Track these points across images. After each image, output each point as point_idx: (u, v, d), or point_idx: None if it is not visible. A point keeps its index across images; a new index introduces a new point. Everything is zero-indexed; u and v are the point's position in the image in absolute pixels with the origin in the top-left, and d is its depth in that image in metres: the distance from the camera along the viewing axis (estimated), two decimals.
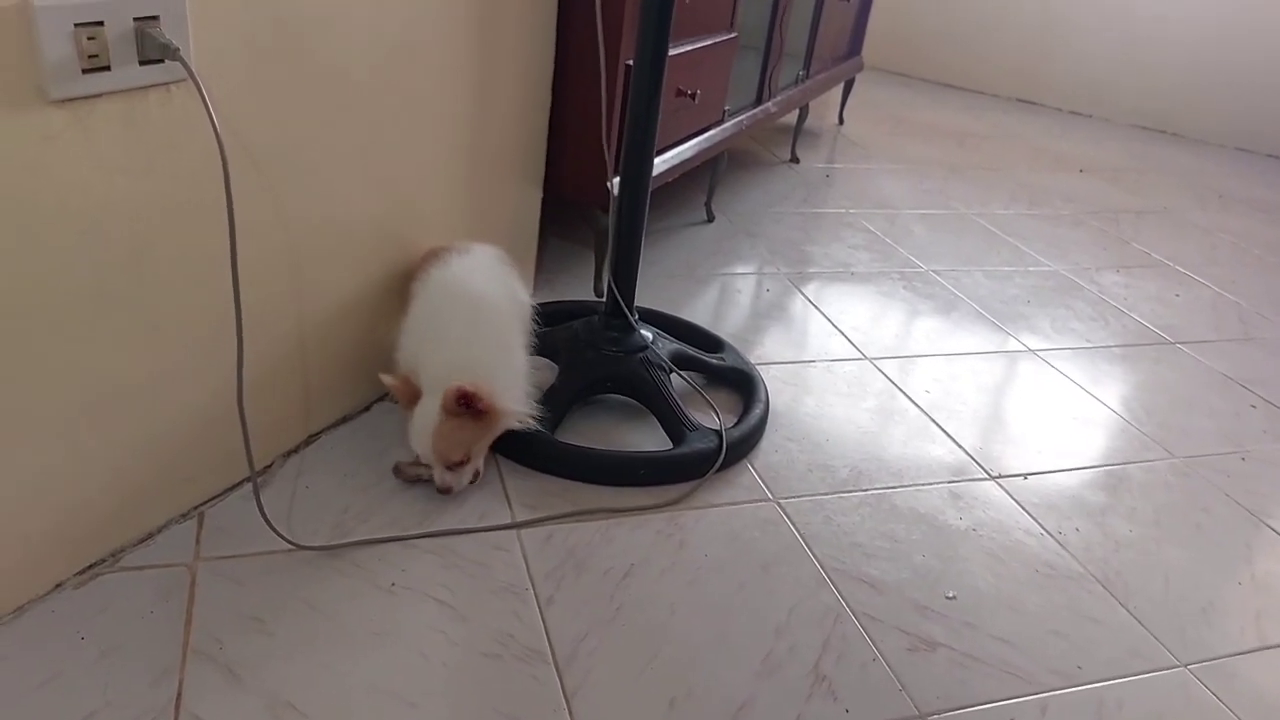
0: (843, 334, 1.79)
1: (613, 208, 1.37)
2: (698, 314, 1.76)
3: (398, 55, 1.18)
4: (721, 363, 1.54)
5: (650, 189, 1.36)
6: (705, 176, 2.21)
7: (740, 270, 2.01)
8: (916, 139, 3.25)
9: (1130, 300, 2.14)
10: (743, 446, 1.37)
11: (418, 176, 1.30)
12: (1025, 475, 1.44)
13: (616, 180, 1.39)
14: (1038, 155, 3.25)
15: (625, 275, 1.39)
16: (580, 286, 1.79)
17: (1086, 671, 1.08)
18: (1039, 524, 1.33)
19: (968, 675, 1.05)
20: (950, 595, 1.17)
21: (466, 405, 1.12)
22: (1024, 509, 1.36)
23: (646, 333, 1.44)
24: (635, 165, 1.34)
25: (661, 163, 1.76)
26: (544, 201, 1.67)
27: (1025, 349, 1.84)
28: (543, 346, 1.45)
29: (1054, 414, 1.63)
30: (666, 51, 1.27)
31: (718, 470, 1.31)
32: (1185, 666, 1.11)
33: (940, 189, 2.72)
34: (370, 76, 1.14)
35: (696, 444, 1.31)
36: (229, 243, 0.93)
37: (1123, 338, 1.95)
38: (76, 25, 0.80)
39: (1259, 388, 1.82)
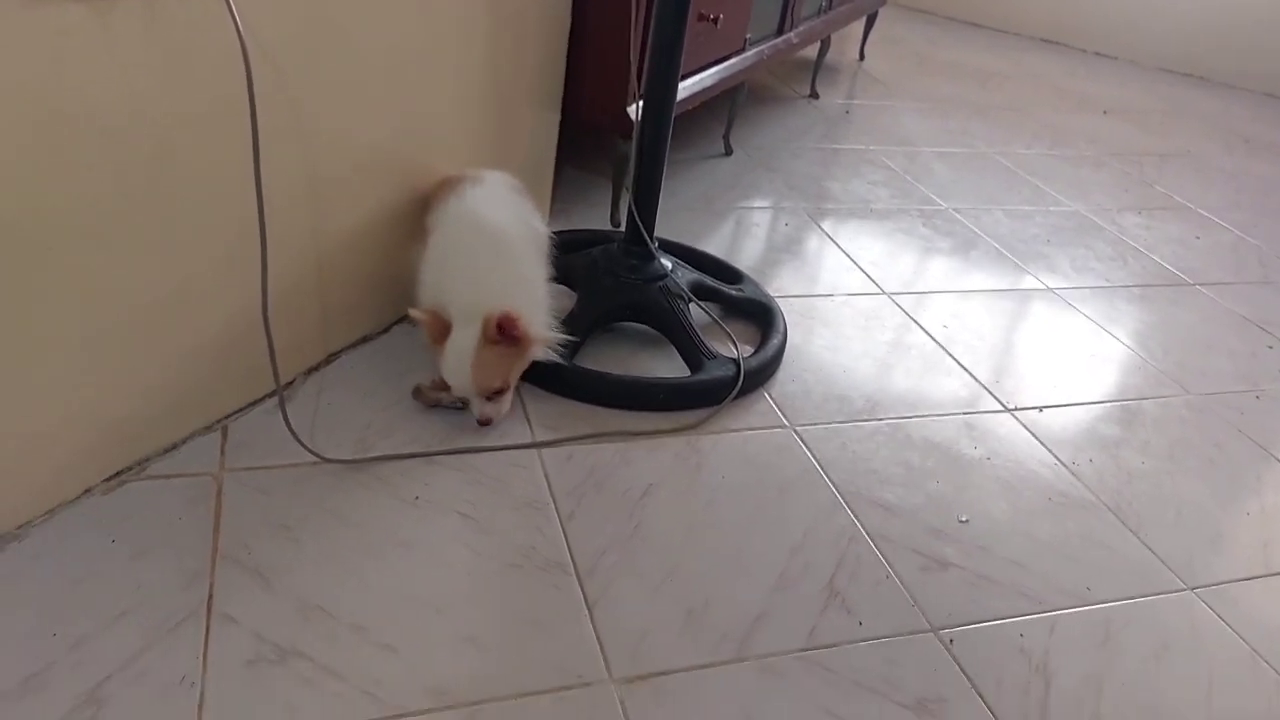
0: (861, 269, 1.78)
1: (636, 132, 1.35)
2: (715, 247, 1.75)
3: None
4: (740, 294, 1.53)
5: (674, 113, 1.34)
6: (724, 108, 2.18)
7: (758, 204, 1.99)
8: (939, 77, 3.19)
9: (1150, 242, 2.12)
10: (760, 375, 1.37)
11: (435, 95, 1.28)
12: (1040, 408, 1.44)
13: (637, 105, 1.37)
14: (1061, 96, 3.19)
15: (646, 202, 1.38)
16: (597, 216, 1.78)
17: (1095, 593, 1.10)
18: (1053, 455, 1.34)
19: (979, 594, 1.07)
20: (963, 519, 1.18)
21: (506, 333, 1.12)
22: (1039, 440, 1.36)
23: (666, 261, 1.43)
24: (659, 89, 1.32)
25: (682, 89, 1.72)
26: (561, 127, 1.65)
27: (1044, 287, 1.83)
28: (561, 274, 1.45)
29: (1071, 350, 1.63)
30: None
31: (735, 398, 1.32)
32: (1191, 590, 1.13)
33: (962, 128, 2.68)
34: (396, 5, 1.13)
35: (715, 371, 1.32)
36: (252, 151, 0.92)
37: (1142, 278, 1.94)
38: None
39: (1277, 329, 1.81)
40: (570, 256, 1.47)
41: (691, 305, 1.42)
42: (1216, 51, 3.72)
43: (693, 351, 1.35)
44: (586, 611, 0.96)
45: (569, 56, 1.58)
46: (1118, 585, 1.12)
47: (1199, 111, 3.30)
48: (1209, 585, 1.15)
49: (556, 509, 1.08)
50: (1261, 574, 1.18)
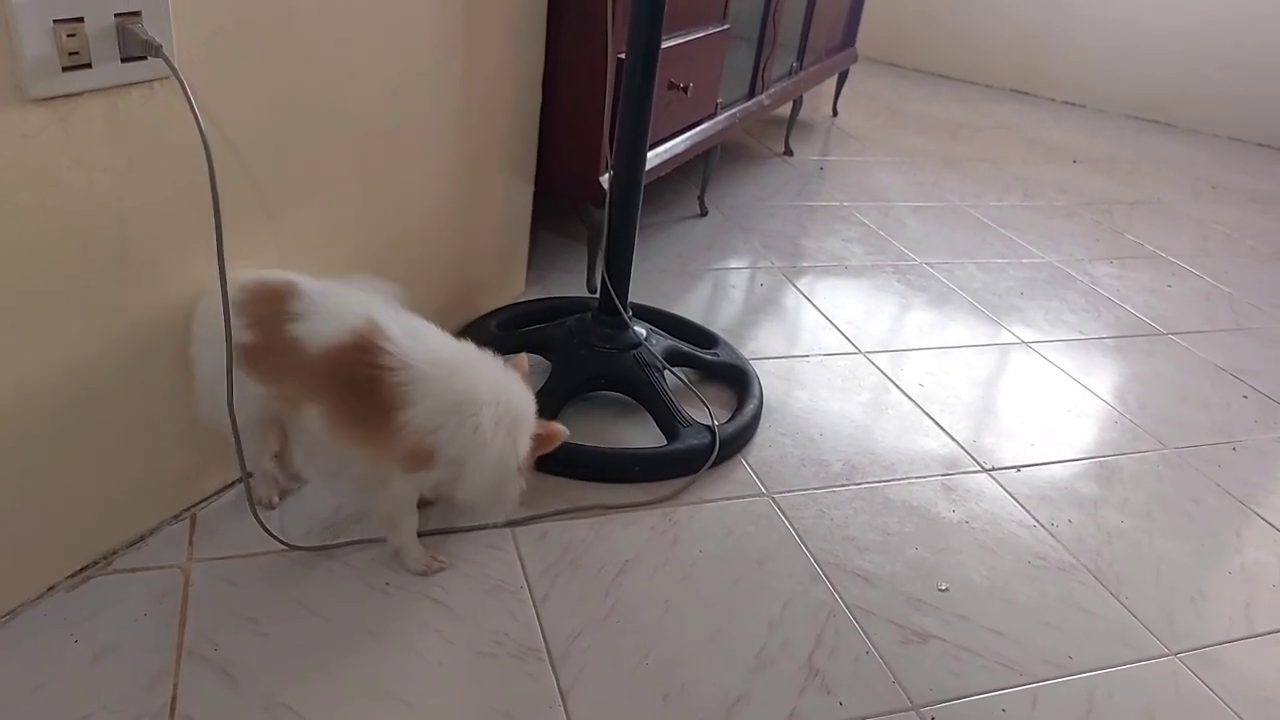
0: (836, 328, 1.79)
1: (607, 203, 1.36)
2: (691, 309, 1.76)
3: (385, 50, 1.17)
4: (716, 358, 1.54)
5: (643, 183, 1.36)
6: (698, 170, 2.20)
7: (734, 265, 2.00)
8: (911, 130, 3.25)
9: (1123, 291, 2.14)
10: (737, 442, 1.37)
11: (406, 172, 1.30)
12: (1018, 467, 1.44)
13: (609, 175, 1.39)
14: (1032, 146, 3.25)
15: (618, 271, 1.39)
16: (574, 282, 1.79)
17: (1077, 661, 1.09)
18: (1031, 515, 1.33)
19: (960, 666, 1.06)
20: (943, 587, 1.17)
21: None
22: (1016, 501, 1.36)
23: (640, 329, 1.44)
24: (628, 159, 1.33)
25: (654, 156, 1.75)
26: (536, 196, 1.66)
27: (1018, 341, 1.84)
28: (537, 344, 1.45)
29: (1047, 406, 1.63)
30: (659, 44, 1.27)
31: (711, 466, 1.32)
32: (1175, 655, 1.12)
33: (934, 181, 2.72)
34: (358, 73, 1.14)
35: (690, 440, 1.31)
36: (216, 244, 0.92)
37: (1115, 329, 1.96)
38: (56, 22, 0.79)
39: (1251, 378, 1.82)
40: (545, 326, 1.47)
41: (667, 372, 1.42)
42: (1182, 97, 3.81)
43: (668, 420, 1.35)
44: (560, 700, 0.94)
45: (541, 126, 1.61)
46: (1099, 652, 1.11)
47: (1166, 158, 3.36)
48: (1192, 650, 1.14)
49: (530, 591, 1.07)
50: (1244, 635, 1.17)
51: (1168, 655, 1.12)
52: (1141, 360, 1.84)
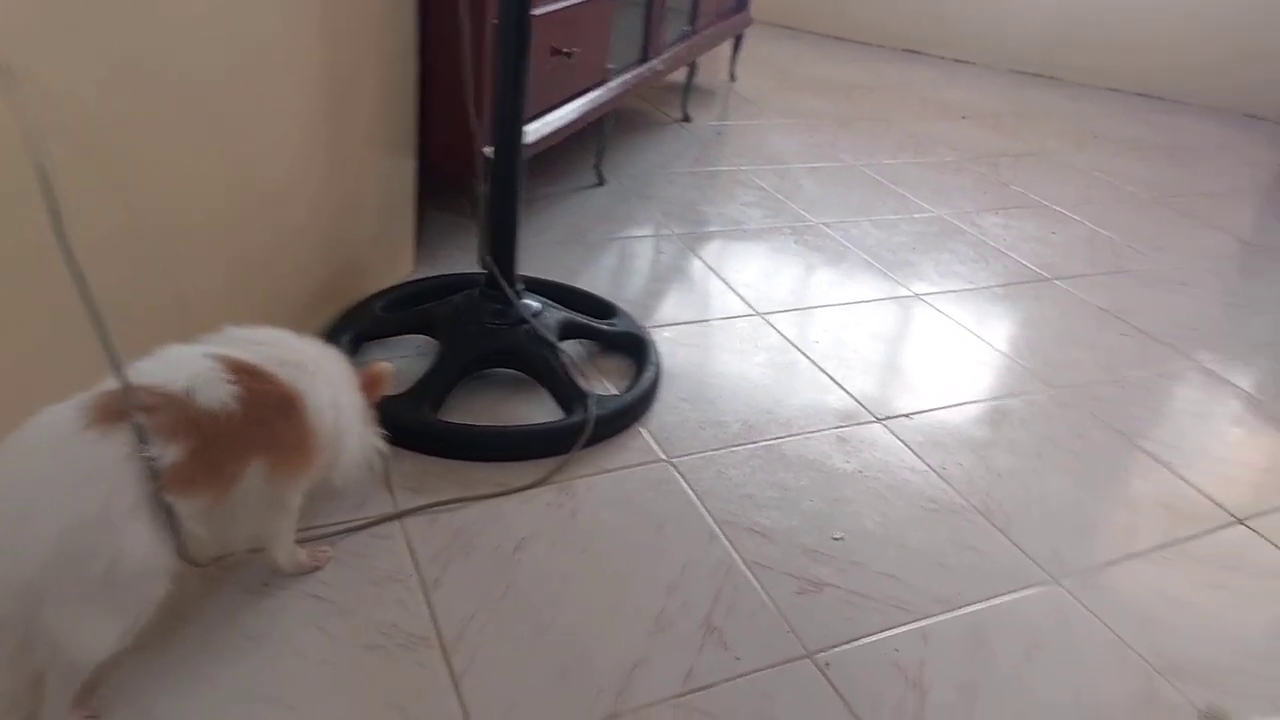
0: (735, 292, 1.80)
1: (487, 174, 1.33)
2: (591, 280, 1.74)
3: (234, 15, 1.11)
4: (613, 329, 1.53)
5: (525, 154, 1.34)
6: (593, 138, 2.18)
7: (634, 233, 1.99)
8: (806, 92, 3.27)
9: (1010, 241, 2.21)
10: (635, 410, 1.36)
11: (267, 146, 1.24)
12: (911, 415, 1.47)
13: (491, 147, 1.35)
14: (923, 104, 3.32)
15: (504, 245, 1.37)
16: (466, 259, 1.75)
17: (966, 597, 1.12)
18: (924, 461, 1.36)
19: (854, 611, 1.08)
20: (838, 536, 1.20)
21: None
22: (909, 448, 1.39)
23: (532, 303, 1.41)
24: (506, 130, 1.31)
25: (541, 125, 1.72)
26: (424, 171, 1.62)
27: (912, 294, 1.88)
28: (422, 323, 1.42)
29: (939, 355, 1.67)
30: (529, 8, 1.24)
31: (610, 435, 1.31)
32: (1059, 584, 1.16)
33: (830, 142, 2.75)
34: (204, 37, 1.08)
35: (586, 413, 1.30)
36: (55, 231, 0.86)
37: (1003, 277, 2.02)
38: None
39: (1132, 317, 1.90)
40: (432, 305, 1.44)
41: (566, 345, 1.41)
42: (1067, 51, 3.93)
43: (564, 393, 1.33)
44: (453, 686, 0.92)
45: (422, 99, 1.56)
46: (988, 587, 1.15)
47: (1051, 111, 3.47)
48: (1076, 576, 1.18)
49: (420, 578, 1.04)
50: (1124, 557, 1.23)
51: (1052, 584, 1.16)
52: (1028, 306, 1.90)
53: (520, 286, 1.41)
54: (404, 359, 1.39)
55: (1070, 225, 2.35)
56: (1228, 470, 1.45)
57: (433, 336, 1.40)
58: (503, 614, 1.01)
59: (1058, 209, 2.45)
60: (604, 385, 1.42)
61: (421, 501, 1.15)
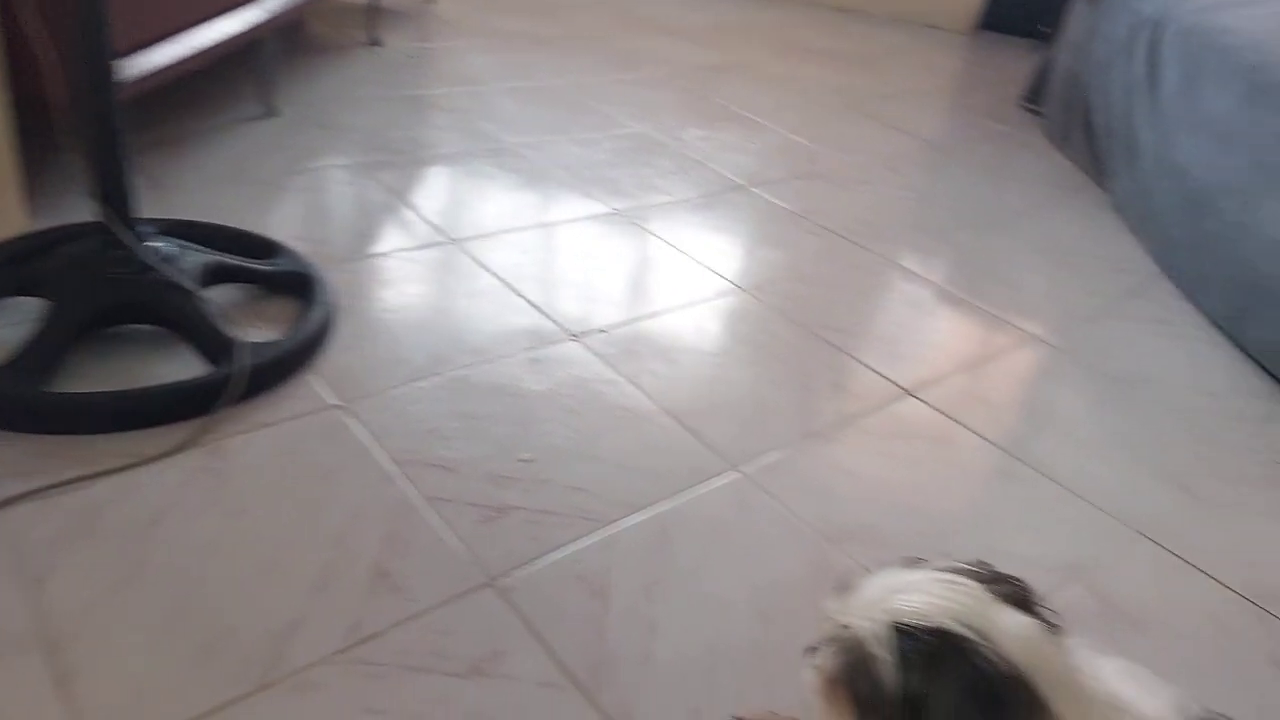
0: (426, 220, 1.69)
1: (74, 105, 1.13)
2: (260, 220, 1.57)
3: None
4: (274, 268, 1.38)
5: (156, 80, 1.14)
6: (259, 65, 1.96)
7: (310, 166, 1.82)
8: (509, 13, 3.16)
9: (710, 152, 2.25)
10: (301, 355, 1.24)
11: None
12: (607, 330, 1.46)
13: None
14: (627, 21, 3.31)
15: (112, 181, 1.17)
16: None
17: (651, 497, 1.12)
18: (616, 372, 1.36)
19: (539, 530, 1.05)
20: (526, 458, 1.16)
21: None
22: (603, 361, 1.38)
23: (161, 246, 1.23)
24: (91, 52, 1.10)
25: (172, 48, 1.50)
26: (31, 105, 1.36)
27: (611, 211, 1.87)
28: (27, 284, 1.20)
29: (638, 269, 1.67)
30: None
31: (272, 385, 1.18)
32: (741, 473, 1.20)
33: (531, 62, 2.67)
34: None
35: (238, 363, 1.16)
36: None
37: (702, 188, 2.05)
38: None
39: (820, 217, 2.00)
40: (40, 260, 1.22)
41: (210, 291, 1.25)
42: None
43: (208, 345, 1.18)
44: (55, 691, 0.79)
45: (10, 24, 1.30)
46: (674, 485, 1.16)
47: (752, 25, 3.59)
48: (756, 463, 1.22)
49: (24, 573, 0.89)
50: (801, 438, 1.29)
51: (735, 474, 1.20)
52: (726, 213, 1.95)
53: (149, 229, 1.23)
54: (4, 328, 1.17)
55: (767, 134, 2.44)
56: (900, 349, 1.56)
57: (43, 297, 1.19)
58: (130, 598, 0.88)
59: (757, 119, 2.53)
60: (267, 332, 1.28)
61: (25, 487, 0.98)
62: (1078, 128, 2.56)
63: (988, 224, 2.08)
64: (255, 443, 1.11)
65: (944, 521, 1.17)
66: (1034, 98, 2.95)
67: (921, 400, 1.43)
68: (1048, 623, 0.68)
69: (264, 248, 1.42)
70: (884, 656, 0.62)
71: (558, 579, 0.99)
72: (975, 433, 1.35)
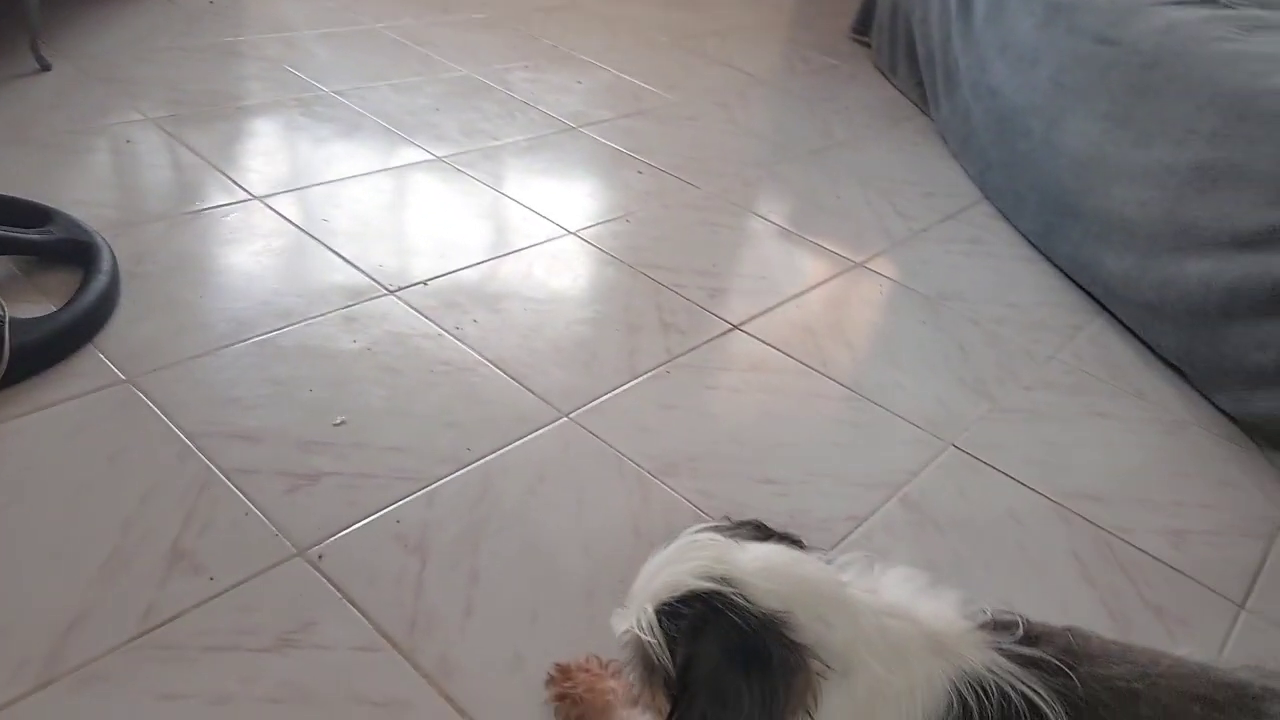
0: (228, 176, 1.58)
1: None
2: (33, 185, 1.42)
3: None
4: (47, 236, 1.26)
5: None
6: (24, 14, 1.76)
7: (97, 124, 1.66)
8: None
9: (537, 94, 2.20)
10: (80, 329, 1.14)
11: None
12: (426, 282, 1.41)
13: None
14: None
15: None
16: None
17: (475, 452, 1.11)
18: (437, 325, 1.32)
19: (354, 495, 1.01)
20: (339, 421, 1.11)
21: None
22: (422, 314, 1.33)
23: None
24: None
25: None
26: None
27: (433, 157, 1.80)
28: None
29: (459, 216, 1.62)
30: None
31: (56, 363, 1.09)
32: (567, 416, 1.19)
33: (347, 5, 2.51)
34: None
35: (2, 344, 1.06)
36: None
37: (529, 130, 2.00)
38: None
39: (648, 156, 1.99)
40: None
41: None
42: None
43: None
44: None
45: None
46: (498, 436, 1.14)
47: None
48: (582, 407, 1.22)
49: None
50: (627, 381, 1.29)
51: (561, 418, 1.19)
52: (552, 155, 1.91)
53: None
54: None
55: (596, 73, 2.40)
56: (724, 284, 1.58)
57: None
58: None
59: (585, 59, 2.49)
60: (44, 305, 1.17)
61: None
62: (903, 57, 2.64)
63: (813, 156, 2.13)
64: (31, 426, 1.01)
65: (764, 449, 1.21)
66: (862, 29, 3.02)
67: (747, 333, 1.45)
68: (795, 544, 0.71)
69: (36, 215, 1.29)
70: (653, 641, 0.64)
71: (373, 542, 0.96)
72: (797, 360, 1.39)
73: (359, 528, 0.97)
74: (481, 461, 1.09)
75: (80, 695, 0.77)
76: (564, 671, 0.83)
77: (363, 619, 0.88)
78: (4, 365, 1.02)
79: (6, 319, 1.06)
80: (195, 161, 1.61)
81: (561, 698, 0.82)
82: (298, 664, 0.83)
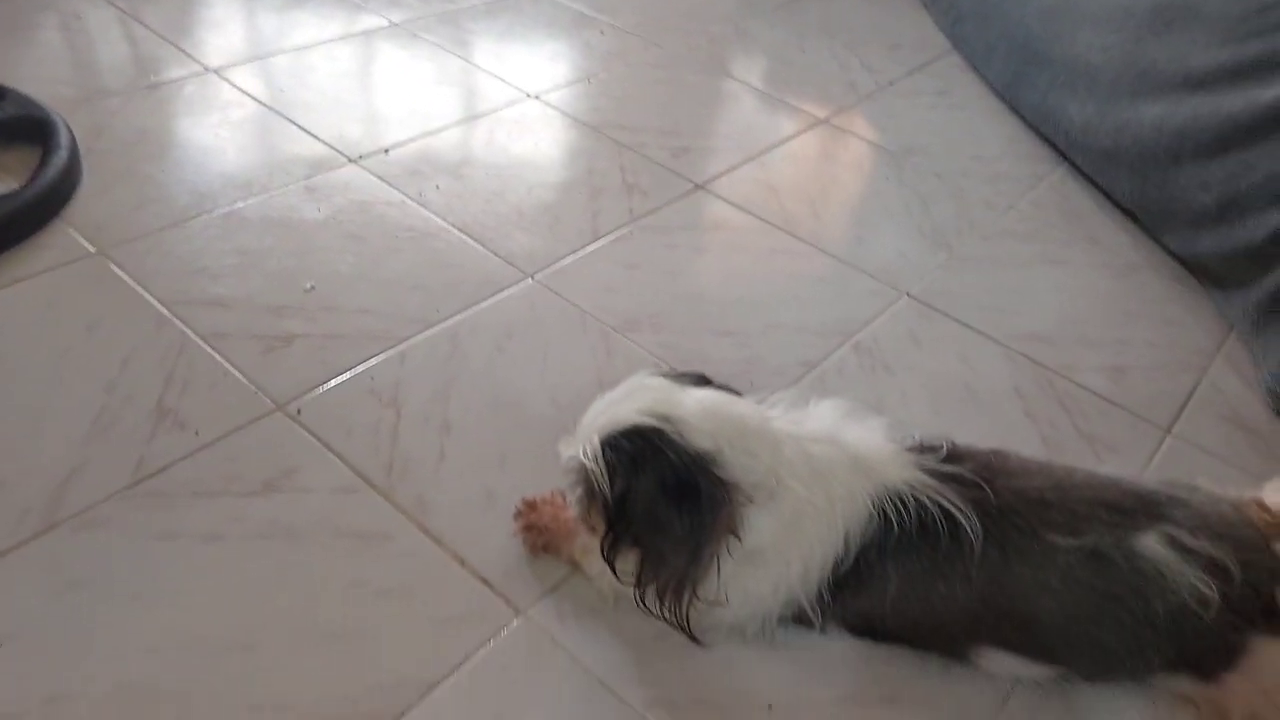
0: (180, 49, 1.55)
1: None
2: None
3: None
4: (1, 114, 1.25)
5: None
6: None
7: (40, 1, 1.62)
8: None
9: None
10: (46, 204, 1.16)
11: None
12: (387, 150, 1.42)
13: None
14: None
15: None
16: None
17: (443, 311, 1.15)
18: (401, 193, 1.33)
19: (327, 355, 1.06)
20: (308, 287, 1.15)
21: None
22: (385, 182, 1.35)
23: None
24: None
25: None
26: None
27: (389, 24, 1.76)
28: None
29: (418, 83, 1.61)
30: None
31: (25, 238, 1.11)
32: (531, 277, 1.23)
33: None
34: None
35: None
36: None
37: None
38: None
39: (607, 14, 1.95)
40: None
41: None
42: None
43: None
44: None
45: None
46: (465, 296, 1.18)
47: None
48: (546, 268, 1.25)
49: None
50: (591, 243, 1.32)
51: (526, 279, 1.23)
52: (511, 18, 1.87)
53: None
54: None
55: None
56: (687, 142, 1.58)
57: None
58: None
59: None
60: (3, 184, 1.18)
61: None
62: None
63: (779, 10, 2.08)
64: (9, 298, 1.05)
65: (725, 304, 1.25)
66: None
67: (710, 192, 1.47)
68: (728, 390, 0.77)
69: None
70: (596, 469, 0.70)
71: (348, 398, 1.02)
72: (759, 218, 1.42)
73: (334, 385, 1.03)
74: (450, 321, 1.13)
75: (82, 536, 0.83)
76: (530, 505, 0.90)
77: (342, 464, 0.94)
78: None
79: None
80: (147, 35, 1.58)
81: (529, 528, 0.89)
82: (282, 505, 0.89)
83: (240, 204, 1.25)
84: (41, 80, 1.40)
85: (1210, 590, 0.74)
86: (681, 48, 1.86)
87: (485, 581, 0.85)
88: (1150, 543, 0.76)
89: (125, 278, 1.10)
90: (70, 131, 1.26)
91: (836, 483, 0.77)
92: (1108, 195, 1.59)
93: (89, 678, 0.74)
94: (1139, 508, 0.80)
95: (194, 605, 0.80)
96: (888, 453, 0.80)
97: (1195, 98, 1.38)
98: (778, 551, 0.77)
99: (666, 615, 0.75)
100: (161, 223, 1.19)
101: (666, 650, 0.82)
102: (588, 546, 0.82)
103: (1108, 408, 1.18)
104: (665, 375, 0.78)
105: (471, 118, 1.53)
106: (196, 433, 0.94)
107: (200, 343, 1.04)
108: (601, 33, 1.87)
